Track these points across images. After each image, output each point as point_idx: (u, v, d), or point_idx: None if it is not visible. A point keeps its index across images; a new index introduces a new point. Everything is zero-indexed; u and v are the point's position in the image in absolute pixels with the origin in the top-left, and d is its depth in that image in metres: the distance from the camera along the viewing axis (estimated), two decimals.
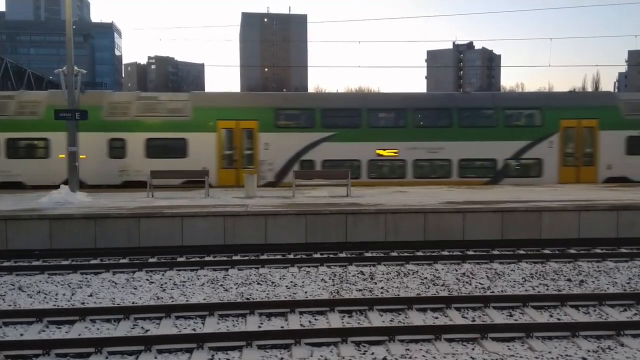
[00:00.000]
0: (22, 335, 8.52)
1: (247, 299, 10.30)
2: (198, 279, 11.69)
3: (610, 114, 23.87)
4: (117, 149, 22.19)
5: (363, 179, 22.78)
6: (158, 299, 10.34)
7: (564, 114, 23.72)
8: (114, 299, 10.35)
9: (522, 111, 24.72)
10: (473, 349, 7.94)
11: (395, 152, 23.20)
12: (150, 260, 13.36)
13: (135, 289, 10.98)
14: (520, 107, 24.90)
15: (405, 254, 13.71)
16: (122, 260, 13.37)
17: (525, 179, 23.25)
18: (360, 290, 10.85)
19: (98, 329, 8.77)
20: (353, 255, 13.61)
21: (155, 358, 7.67)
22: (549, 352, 7.79)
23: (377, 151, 23.16)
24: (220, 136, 22.70)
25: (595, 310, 9.64)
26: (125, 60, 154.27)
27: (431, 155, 23.25)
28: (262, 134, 22.73)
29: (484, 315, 9.40)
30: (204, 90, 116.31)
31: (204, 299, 10.27)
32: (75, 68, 19.00)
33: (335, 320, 9.08)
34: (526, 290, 10.91)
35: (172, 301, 10.17)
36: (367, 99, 26.43)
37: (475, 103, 25.04)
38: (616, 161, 23.60)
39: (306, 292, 10.71)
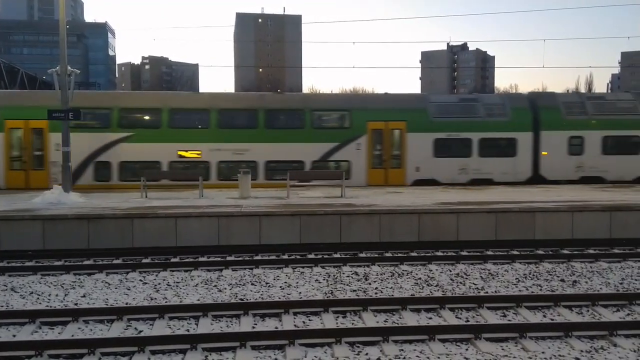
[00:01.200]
0: (14, 336, 8.48)
1: (241, 299, 10.28)
2: (192, 279, 11.66)
3: (418, 116, 23.78)
4: None
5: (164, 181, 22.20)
6: (152, 299, 10.31)
7: (371, 116, 23.53)
8: (107, 299, 10.31)
9: (330, 113, 24.53)
10: (467, 350, 7.96)
11: (198, 154, 22.84)
12: (144, 261, 13.32)
13: (129, 289, 10.94)
14: (329, 109, 24.71)
15: (400, 255, 13.73)
16: (115, 261, 13.33)
17: (334, 181, 22.74)
18: (354, 290, 10.85)
19: (91, 329, 8.73)
20: (347, 256, 13.62)
21: (149, 359, 7.64)
22: (543, 352, 7.82)
23: (179, 152, 22.71)
24: (9, 136, 22.14)
25: (588, 311, 9.67)
26: (119, 60, 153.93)
27: (237, 157, 22.81)
28: (52, 134, 21.92)
29: (477, 315, 9.42)
30: (198, 90, 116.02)
31: (198, 300, 10.25)
32: (69, 68, 18.94)
33: (329, 320, 9.07)
34: (520, 290, 10.94)
35: (166, 302, 10.14)
36: (169, 98, 25.36)
37: (283, 104, 24.62)
38: (424, 163, 23.47)
39: (300, 293, 10.70)
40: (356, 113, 23.72)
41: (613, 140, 23.94)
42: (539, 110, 24.32)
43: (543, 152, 23.83)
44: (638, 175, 24.02)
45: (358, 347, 8.00)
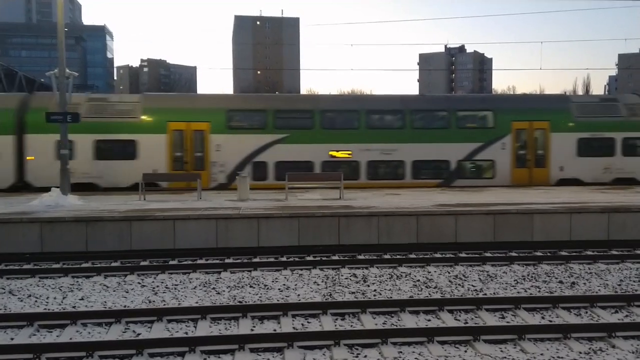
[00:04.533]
0: (12, 339, 8.45)
1: (240, 302, 10.27)
2: (190, 282, 11.65)
3: None
4: None
5: None
6: (150, 302, 10.29)
7: None
8: (105, 302, 10.29)
9: None
10: (465, 351, 7.96)
11: None
12: (142, 263, 13.29)
13: (127, 292, 10.93)
14: None
15: (398, 257, 13.73)
16: (113, 264, 13.31)
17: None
18: (353, 292, 10.84)
19: (89, 332, 8.72)
20: (346, 258, 13.61)
21: None
22: (541, 354, 7.82)
23: None
24: None
25: (586, 312, 9.68)
26: (117, 63, 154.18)
27: None
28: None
29: (476, 317, 9.42)
30: (196, 92, 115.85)
31: (196, 302, 10.23)
32: (67, 71, 18.91)
33: (328, 323, 9.07)
34: (518, 292, 10.94)
35: (164, 304, 10.12)
36: None
37: None
38: None
39: (299, 295, 10.70)
40: None
41: (108, 144, 22.25)
42: (26, 112, 22.21)
43: (29, 157, 21.98)
44: (135, 182, 20.97)
45: (357, 349, 7.99)
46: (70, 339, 8.43)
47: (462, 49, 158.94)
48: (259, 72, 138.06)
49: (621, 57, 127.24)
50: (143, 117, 22.70)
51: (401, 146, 23.44)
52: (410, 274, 12.25)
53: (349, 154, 23.33)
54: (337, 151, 23.31)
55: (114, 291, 11.00)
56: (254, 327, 8.96)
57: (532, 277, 12.04)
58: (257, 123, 23.67)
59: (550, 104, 25.51)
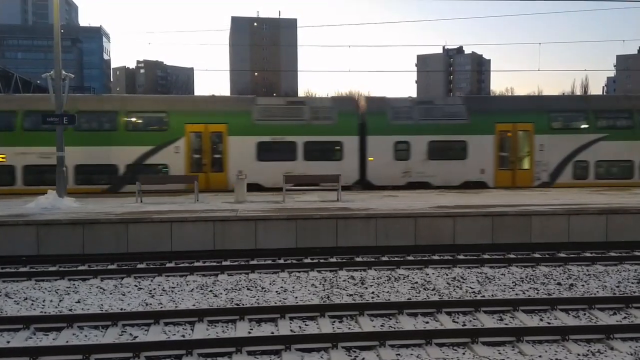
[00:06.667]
0: (8, 342, 8.40)
1: (237, 304, 10.23)
2: (187, 284, 11.61)
3: None
4: None
5: None
6: (147, 305, 10.25)
7: None
8: (102, 305, 10.25)
9: None
10: (464, 354, 7.93)
11: None
12: (139, 266, 13.26)
13: (124, 295, 10.88)
14: None
15: (396, 259, 13.71)
16: (110, 266, 13.26)
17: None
18: (350, 295, 10.81)
19: (86, 335, 8.67)
20: (344, 260, 13.59)
21: None
22: (539, 356, 7.80)
23: None
24: None
25: (585, 314, 9.67)
26: (113, 64, 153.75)
27: None
28: None
29: (474, 319, 9.39)
30: (193, 94, 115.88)
31: (193, 305, 10.20)
32: (63, 72, 18.85)
33: (325, 325, 9.04)
34: (516, 294, 10.92)
35: (161, 307, 10.08)
36: None
37: None
38: None
39: (296, 298, 10.66)
40: None
41: None
42: None
43: None
44: None
45: (354, 351, 7.96)
46: (67, 342, 8.38)
47: (460, 50, 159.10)
48: (256, 73, 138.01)
49: (619, 58, 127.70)
50: None
51: None
52: (408, 276, 12.23)
53: (2, 158, 22.04)
54: None
55: (111, 294, 10.95)
56: (252, 329, 8.92)
57: (530, 278, 12.03)
58: None
59: (229, 106, 24.82)
